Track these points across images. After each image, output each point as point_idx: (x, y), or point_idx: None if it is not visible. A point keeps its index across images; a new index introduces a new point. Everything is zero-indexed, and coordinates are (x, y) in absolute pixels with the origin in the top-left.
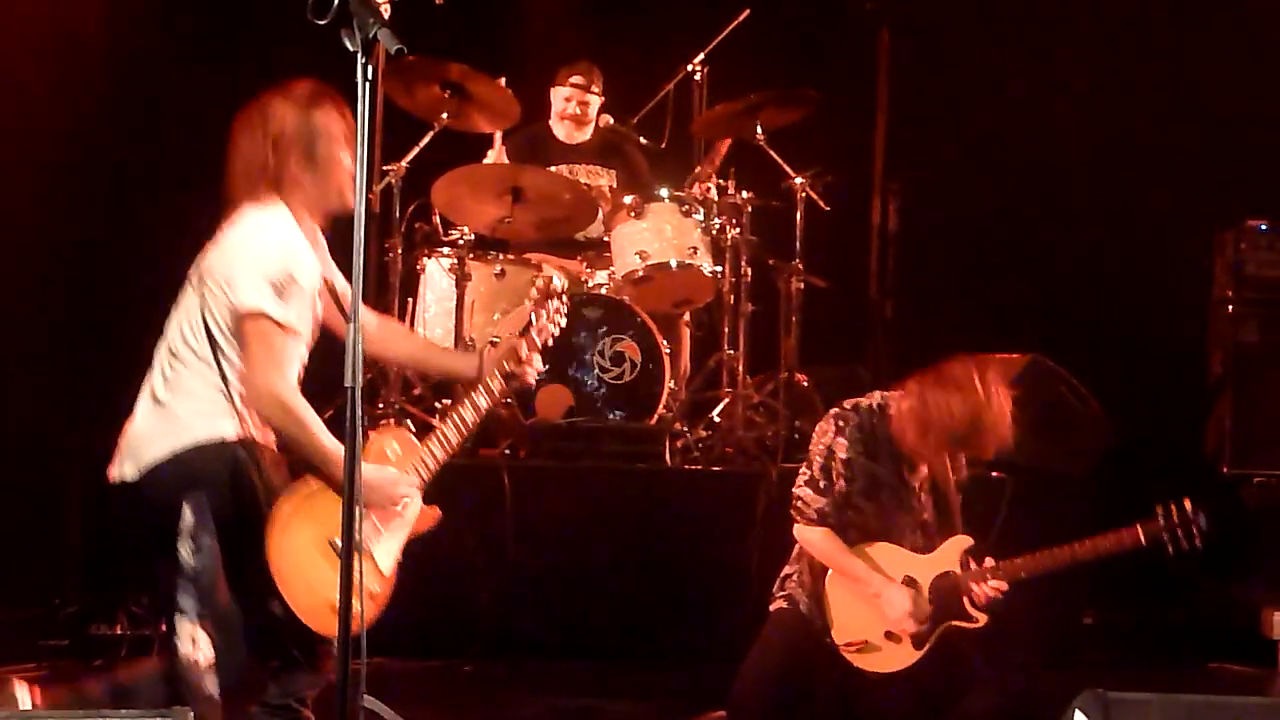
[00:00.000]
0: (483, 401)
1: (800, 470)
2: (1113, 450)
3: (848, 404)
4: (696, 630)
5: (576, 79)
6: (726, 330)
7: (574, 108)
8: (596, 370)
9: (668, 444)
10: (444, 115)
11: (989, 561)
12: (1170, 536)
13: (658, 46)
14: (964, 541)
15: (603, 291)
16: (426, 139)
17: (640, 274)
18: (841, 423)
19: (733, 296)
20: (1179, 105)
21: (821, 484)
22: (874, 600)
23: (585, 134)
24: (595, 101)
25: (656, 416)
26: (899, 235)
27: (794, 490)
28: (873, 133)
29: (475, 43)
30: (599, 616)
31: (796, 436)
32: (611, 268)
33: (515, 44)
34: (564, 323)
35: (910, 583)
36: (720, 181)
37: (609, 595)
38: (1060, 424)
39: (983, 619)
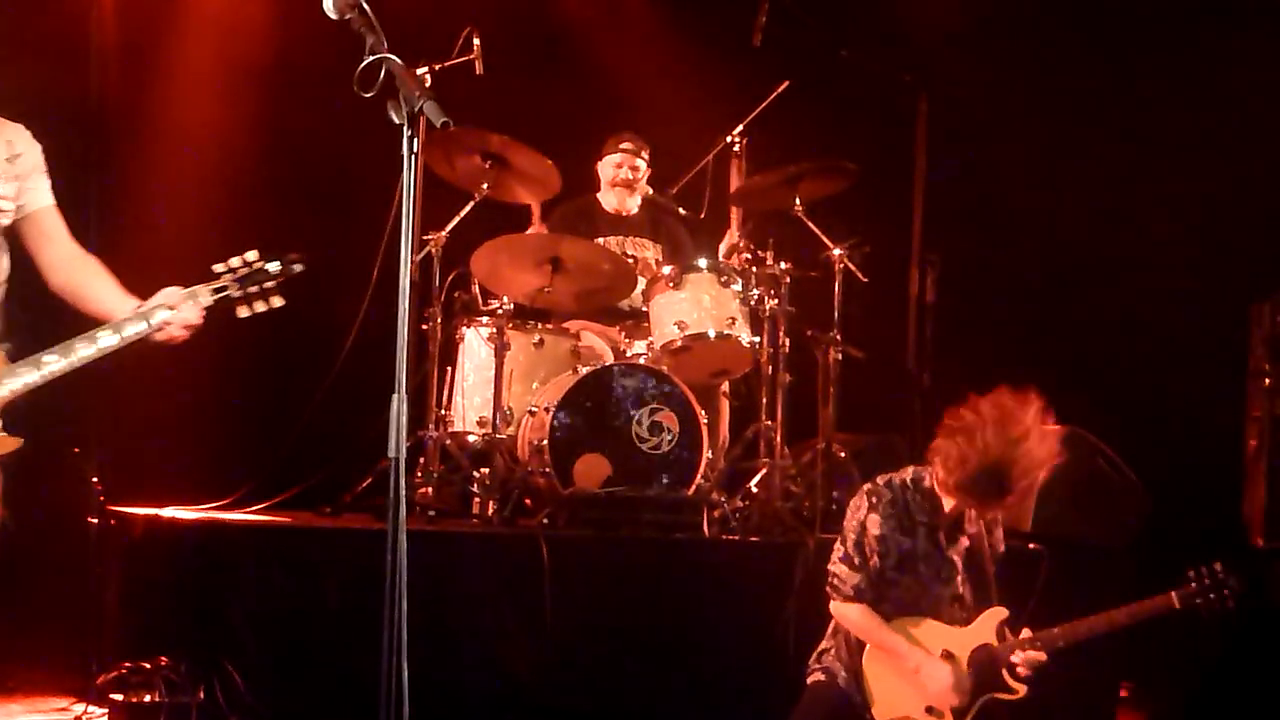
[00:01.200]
0: (108, 340)
1: (835, 546)
2: (1149, 523)
3: (880, 479)
4: (734, 701)
5: (627, 145)
6: (764, 400)
7: (626, 173)
8: (635, 440)
9: (705, 514)
10: (484, 185)
11: (1026, 632)
12: (1204, 600)
13: (697, 118)
14: (1000, 613)
15: (641, 361)
16: (467, 209)
17: (678, 344)
18: (874, 499)
19: (771, 367)
20: (1215, 176)
21: (856, 560)
22: (913, 675)
23: (634, 206)
24: (644, 169)
25: (694, 487)
26: (936, 306)
27: (828, 567)
28: (911, 204)
29: (516, 114)
30: (636, 687)
31: (834, 507)
32: (650, 337)
33: (556, 116)
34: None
35: (948, 657)
36: (760, 252)
37: (646, 666)
38: (1098, 496)
39: (1022, 690)
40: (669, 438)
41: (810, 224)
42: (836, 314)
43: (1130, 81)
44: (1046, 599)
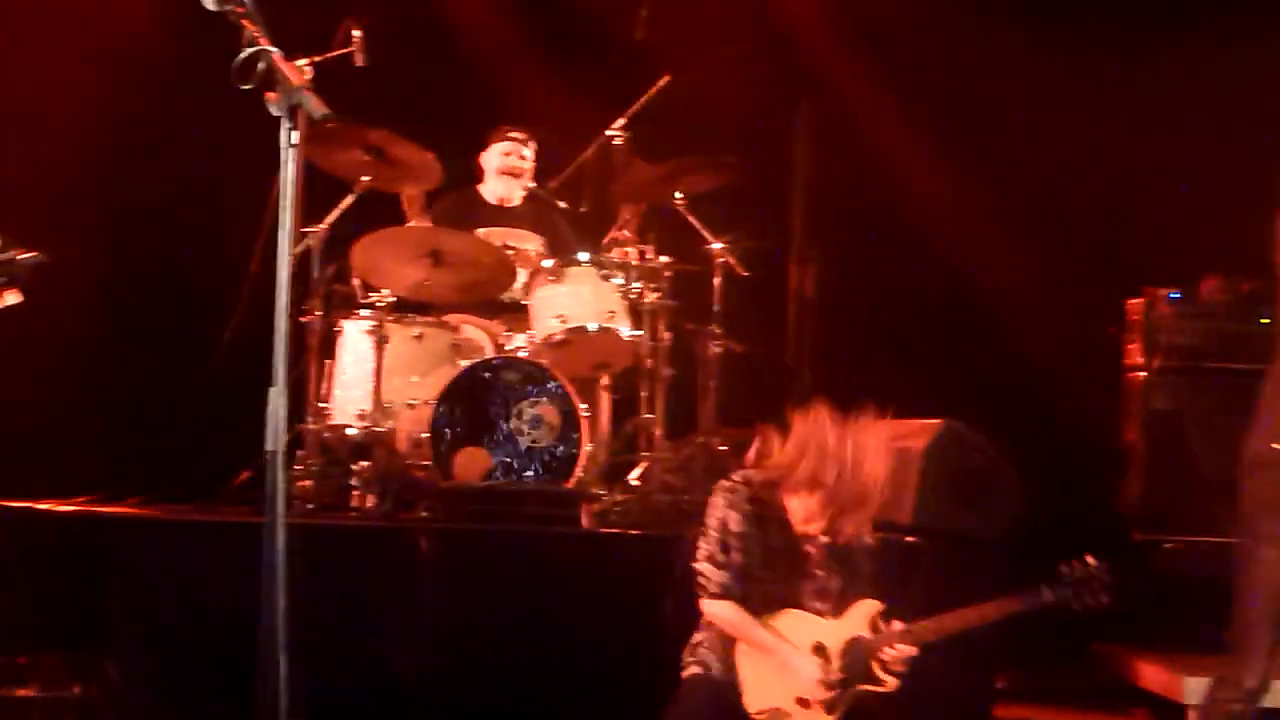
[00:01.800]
0: None
1: (699, 545)
2: (1026, 517)
3: (736, 476)
4: (614, 694)
5: (515, 134)
6: (645, 394)
7: (514, 160)
8: (515, 433)
9: (585, 507)
10: (364, 178)
11: (897, 625)
12: (1076, 594)
13: (578, 111)
14: (872, 606)
15: (522, 354)
16: (347, 201)
17: (559, 337)
18: (731, 496)
19: (651, 360)
20: (1093, 175)
21: (720, 558)
22: (784, 669)
23: (517, 197)
24: (531, 159)
25: (574, 480)
26: (816, 301)
27: (695, 565)
28: (792, 199)
29: (397, 106)
30: (518, 681)
31: None
32: (530, 331)
33: (437, 108)
34: None
35: (819, 649)
36: (640, 246)
37: (526, 659)
38: (976, 490)
39: (893, 683)
40: (549, 431)
41: (691, 218)
42: (717, 308)
43: (1008, 78)
44: (924, 593)
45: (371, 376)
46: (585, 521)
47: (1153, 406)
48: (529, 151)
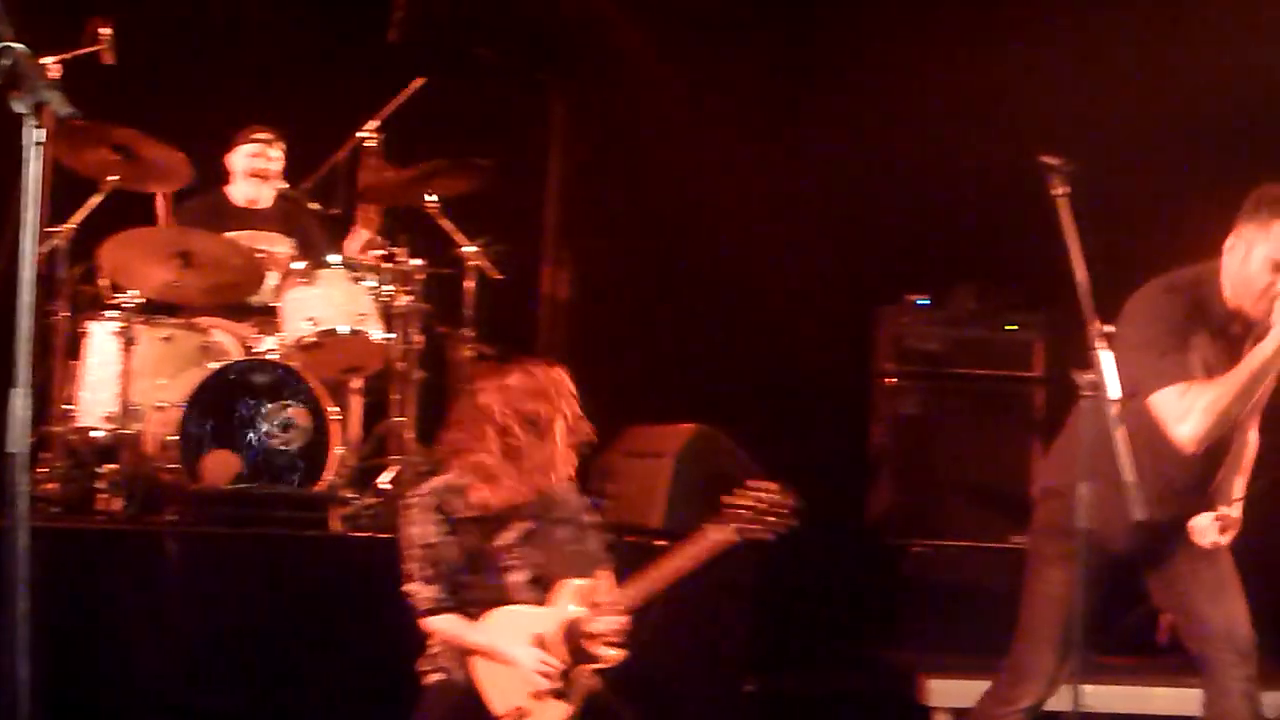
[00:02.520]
0: None
1: (404, 567)
2: None
3: (424, 488)
4: (363, 699)
5: (261, 134)
6: (396, 397)
7: (261, 162)
8: (265, 436)
9: (335, 511)
10: (113, 177)
11: (603, 597)
12: (762, 523)
13: (331, 112)
14: (574, 584)
15: (272, 357)
16: (94, 201)
17: (310, 340)
18: (419, 510)
19: (403, 364)
20: (845, 182)
21: (425, 573)
22: (512, 667)
23: (266, 199)
24: (279, 160)
25: (325, 483)
26: (569, 305)
27: (404, 588)
28: (545, 202)
29: (147, 104)
30: (265, 686)
31: None
32: (281, 333)
33: (188, 108)
34: None
35: (540, 640)
36: (393, 249)
37: (275, 664)
38: (725, 493)
39: (613, 656)
40: (299, 434)
41: (443, 221)
42: (469, 311)
43: (764, 84)
44: (674, 595)
45: (119, 378)
46: (335, 525)
47: (900, 412)
48: (277, 153)
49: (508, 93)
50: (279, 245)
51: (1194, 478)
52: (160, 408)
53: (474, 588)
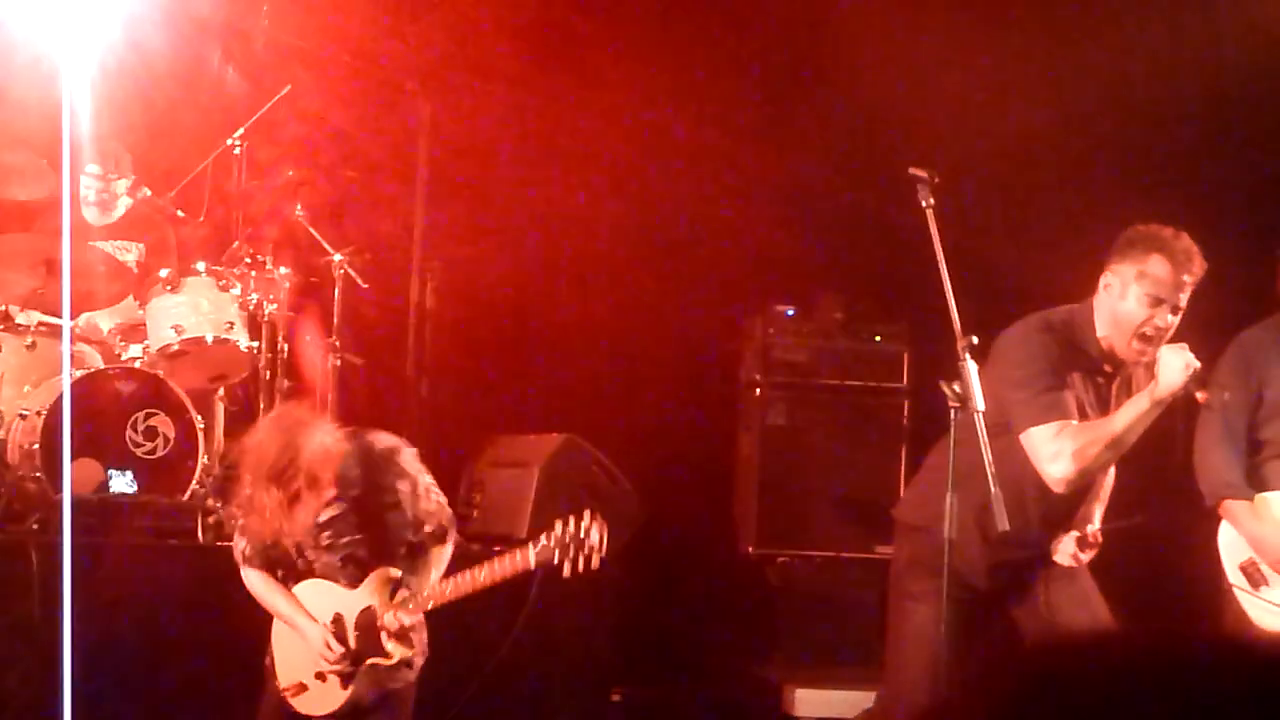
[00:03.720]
0: None
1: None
2: (643, 529)
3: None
4: (220, 704)
5: (93, 168)
6: (262, 406)
7: (95, 195)
8: (129, 444)
9: (201, 520)
10: None
11: (404, 592)
12: (564, 556)
13: (199, 120)
14: (388, 573)
15: (136, 365)
16: None
17: (175, 348)
18: (241, 468)
19: (269, 372)
20: (714, 191)
21: (243, 524)
22: (304, 640)
23: (112, 216)
24: (122, 184)
25: (190, 493)
26: (436, 314)
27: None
28: (413, 211)
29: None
30: (126, 697)
31: None
32: (146, 341)
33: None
34: None
35: (339, 620)
36: (260, 257)
37: (138, 675)
38: (593, 502)
39: (396, 655)
40: (164, 443)
41: (311, 230)
42: (336, 320)
43: (630, 97)
44: (541, 605)
45: None
46: (200, 535)
47: (767, 422)
48: (123, 181)
49: (377, 101)
50: (129, 254)
51: (1057, 514)
52: (24, 415)
53: (290, 555)
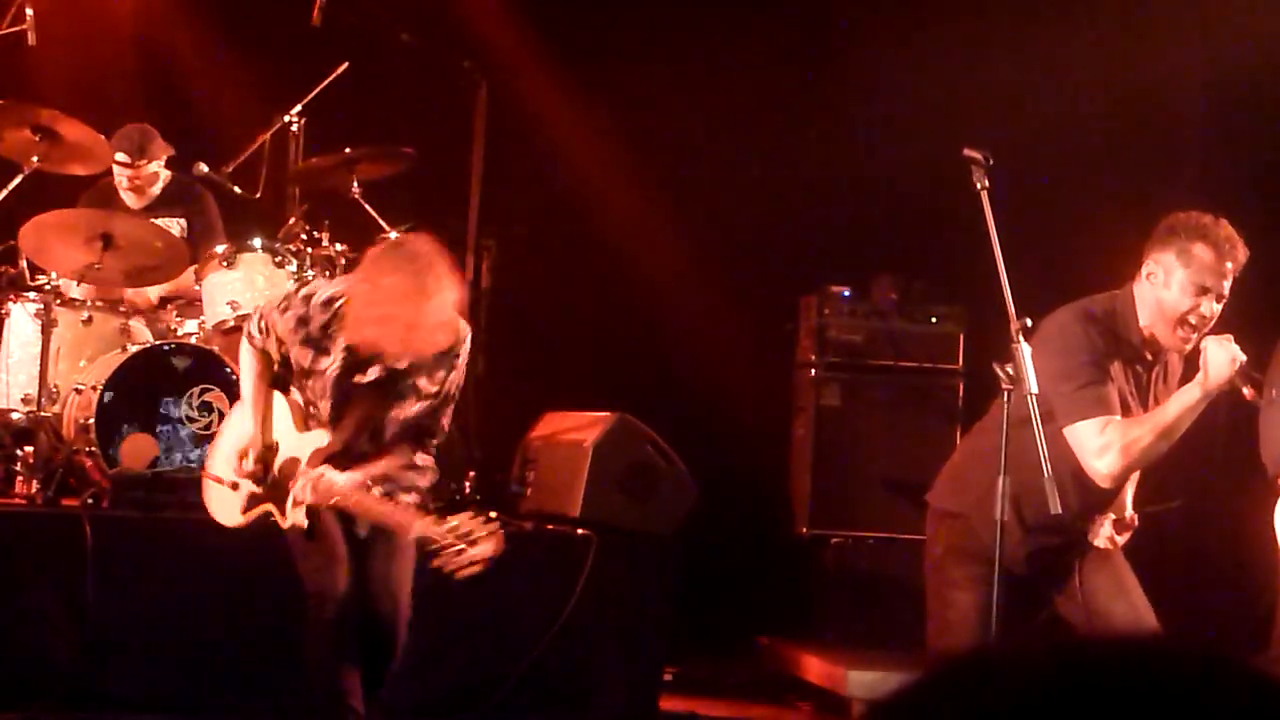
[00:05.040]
0: None
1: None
2: (697, 511)
3: (301, 294)
4: (280, 682)
5: (122, 156)
6: None
7: (125, 181)
8: (184, 420)
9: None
10: (34, 158)
11: (334, 475)
12: (447, 557)
13: (256, 95)
14: (322, 438)
15: (192, 341)
16: (15, 181)
17: (230, 324)
18: (285, 304)
19: None
20: (770, 173)
21: (259, 327)
22: (247, 438)
23: (150, 198)
24: (153, 167)
25: None
26: (492, 292)
27: (261, 311)
28: (469, 189)
29: (71, 85)
30: (183, 670)
31: None
32: (201, 317)
33: (111, 89)
34: None
35: (273, 446)
36: (315, 233)
37: (193, 648)
38: (646, 483)
39: (292, 522)
40: (219, 418)
41: (368, 206)
42: None
43: (685, 77)
44: (594, 584)
45: (38, 360)
46: None
47: (821, 403)
48: (155, 164)
49: (433, 79)
50: (171, 228)
51: (1096, 500)
52: (79, 390)
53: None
